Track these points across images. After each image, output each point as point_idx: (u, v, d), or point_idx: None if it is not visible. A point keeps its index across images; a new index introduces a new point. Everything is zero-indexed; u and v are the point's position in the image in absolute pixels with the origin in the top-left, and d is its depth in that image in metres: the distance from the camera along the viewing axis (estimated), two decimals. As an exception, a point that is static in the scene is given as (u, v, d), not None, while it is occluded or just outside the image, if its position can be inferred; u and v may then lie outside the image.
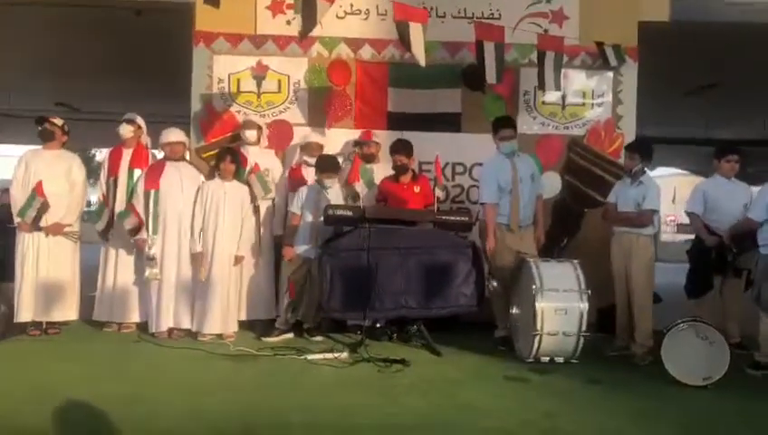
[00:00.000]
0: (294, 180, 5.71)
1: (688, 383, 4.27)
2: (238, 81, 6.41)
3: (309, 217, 5.36)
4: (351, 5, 6.44)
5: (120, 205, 5.51)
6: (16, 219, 5.23)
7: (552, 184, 6.27)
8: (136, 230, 5.35)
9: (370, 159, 5.99)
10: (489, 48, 5.66)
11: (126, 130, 5.61)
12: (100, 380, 4.09)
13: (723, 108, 11.09)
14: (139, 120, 5.71)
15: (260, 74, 6.42)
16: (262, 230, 5.81)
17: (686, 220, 6.06)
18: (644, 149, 5.29)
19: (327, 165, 5.41)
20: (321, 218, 5.18)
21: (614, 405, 3.92)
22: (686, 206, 5.78)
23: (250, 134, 5.90)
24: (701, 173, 20.36)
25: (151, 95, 9.49)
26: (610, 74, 6.50)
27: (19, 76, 10.56)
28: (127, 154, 5.60)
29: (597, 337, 5.06)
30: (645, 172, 5.25)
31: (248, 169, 5.78)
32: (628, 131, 6.46)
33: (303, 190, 5.43)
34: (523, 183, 5.27)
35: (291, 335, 5.41)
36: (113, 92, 10.51)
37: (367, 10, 6.45)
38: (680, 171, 21.82)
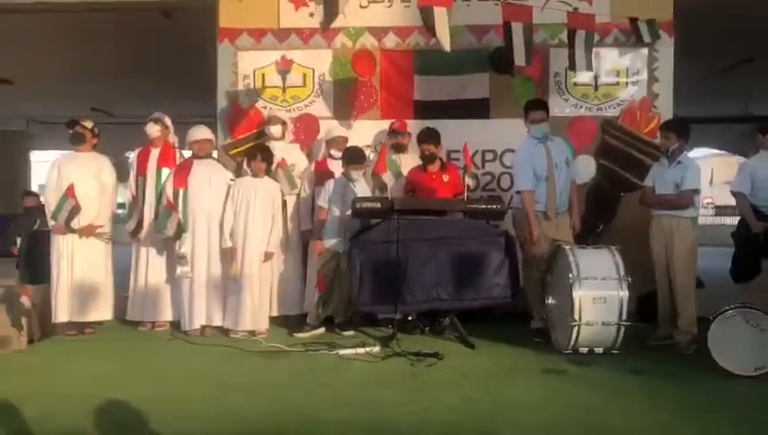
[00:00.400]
0: (321, 174, 5.64)
1: (739, 374, 4.08)
2: (263, 76, 6.38)
3: (336, 211, 5.28)
4: (375, -6, 6.32)
5: (149, 204, 5.53)
6: (50, 222, 5.30)
7: (586, 168, 6.08)
8: (178, 234, 5.33)
9: (402, 148, 5.89)
10: (517, 29, 5.47)
11: (153, 130, 5.62)
12: (134, 379, 4.11)
13: (762, 83, 10.62)
14: (166, 120, 5.71)
15: (284, 69, 6.38)
16: (289, 226, 5.77)
17: (724, 202, 5.81)
18: (680, 128, 5.08)
19: (354, 157, 5.32)
20: (349, 211, 5.10)
21: (659, 398, 3.76)
22: (731, 185, 5.52)
23: (275, 130, 5.86)
24: (740, 153, 19.82)
25: (183, 96, 9.57)
26: (645, 51, 6.26)
27: (54, 83, 10.78)
28: (155, 154, 5.61)
29: (637, 326, 4.87)
30: (683, 152, 5.04)
31: (275, 164, 5.73)
32: (665, 111, 6.22)
33: (330, 184, 5.36)
34: (558, 168, 5.11)
35: (322, 330, 5.36)
36: (146, 95, 10.63)
37: (390, -3, 6.32)
38: (717, 151, 21.19)
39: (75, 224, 5.26)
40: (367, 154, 5.79)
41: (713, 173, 30.66)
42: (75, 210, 5.22)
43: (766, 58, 9.09)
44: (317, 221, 5.43)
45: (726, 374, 4.08)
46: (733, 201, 5.77)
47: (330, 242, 5.30)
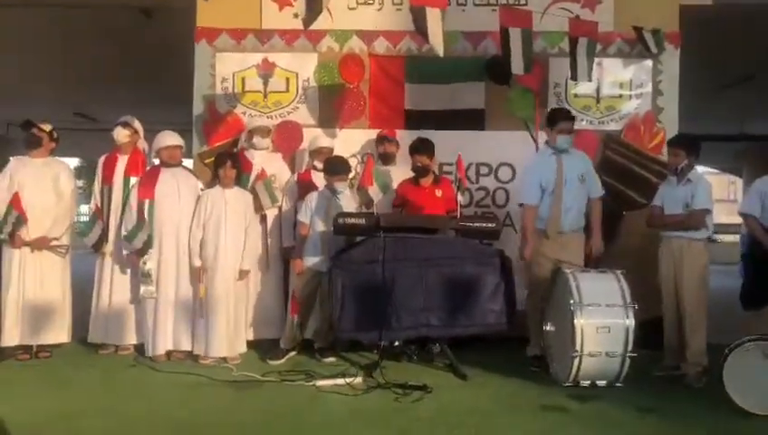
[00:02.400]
0: (303, 186, 5.24)
1: (758, 413, 3.70)
2: (243, 79, 5.97)
3: (319, 227, 4.88)
4: (364, -5, 5.96)
5: (114, 216, 5.08)
6: None
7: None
8: (144, 250, 4.90)
9: (389, 159, 5.51)
10: (515, 35, 5.12)
11: (121, 135, 5.19)
12: (84, 414, 3.65)
13: (759, 102, 10.38)
14: (136, 124, 5.28)
15: (266, 72, 5.97)
16: (269, 241, 5.36)
17: (721, 220, 5.52)
18: (690, 144, 4.77)
19: (336, 167, 4.92)
20: (331, 228, 4.70)
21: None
22: (740, 207, 5.20)
23: (261, 142, 5.45)
24: (734, 171, 19.71)
25: (171, 100, 9.16)
26: (649, 63, 5.93)
27: (34, 86, 10.40)
28: (122, 161, 5.17)
29: (641, 354, 4.47)
30: (693, 169, 4.70)
31: (254, 175, 5.32)
32: (670, 125, 5.90)
33: (313, 197, 4.96)
34: (568, 184, 4.74)
35: (294, 353, 4.94)
36: (131, 100, 10.21)
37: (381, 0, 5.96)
38: (711, 170, 21.12)
39: (26, 236, 4.80)
40: (353, 165, 5.42)
41: (708, 191, 30.67)
42: (19, 222, 4.75)
43: (765, 77, 8.83)
44: (298, 238, 5.03)
45: (743, 413, 3.72)
46: (727, 219, 5.49)
47: (311, 260, 4.90)
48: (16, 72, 9.78)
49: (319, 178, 5.21)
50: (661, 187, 4.90)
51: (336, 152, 5.40)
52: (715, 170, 20.60)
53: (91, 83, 10.11)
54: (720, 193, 29.90)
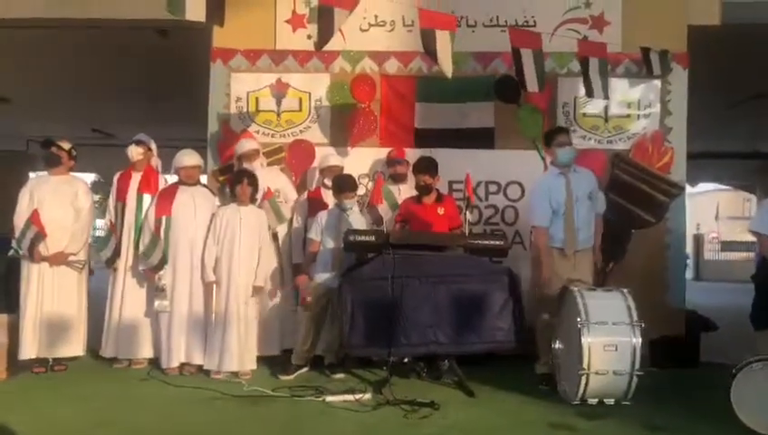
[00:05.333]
0: (314, 204, 5.32)
1: (765, 434, 3.67)
2: (257, 99, 6.10)
3: (329, 244, 4.96)
4: (376, 17, 6.09)
5: (128, 232, 5.19)
6: (17, 249, 4.95)
7: (595, 203, 5.75)
8: (160, 265, 5.00)
9: (401, 179, 5.59)
10: (527, 55, 5.20)
11: (135, 153, 5.31)
12: (99, 426, 3.70)
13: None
14: (150, 142, 5.40)
15: (280, 92, 6.10)
16: (283, 258, 5.42)
17: (730, 238, 5.53)
18: None
19: (343, 185, 5.00)
20: (341, 245, 4.78)
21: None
22: (751, 224, 5.20)
23: (251, 167, 5.43)
24: (745, 188, 19.62)
25: (188, 118, 9.31)
26: (658, 83, 5.99)
27: (53, 103, 10.58)
28: (136, 178, 5.29)
29: (650, 373, 4.49)
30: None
31: (260, 194, 5.38)
32: (679, 145, 5.95)
33: (323, 215, 5.04)
34: (578, 202, 4.79)
35: (305, 370, 4.98)
36: (146, 117, 10.38)
37: (392, 21, 6.10)
38: (722, 187, 21.05)
39: (44, 251, 4.91)
40: (364, 184, 5.48)
41: (718, 208, 30.46)
42: (38, 238, 4.87)
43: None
44: (308, 255, 5.10)
45: (750, 433, 3.69)
46: (738, 237, 5.49)
47: (322, 277, 4.96)
48: (37, 89, 9.97)
49: (329, 196, 5.29)
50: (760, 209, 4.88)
51: (347, 170, 5.49)
52: (728, 187, 20.51)
53: (109, 101, 10.26)
54: (733, 210, 29.71)
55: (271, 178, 5.54)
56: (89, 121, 12.01)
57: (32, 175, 5.30)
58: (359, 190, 5.37)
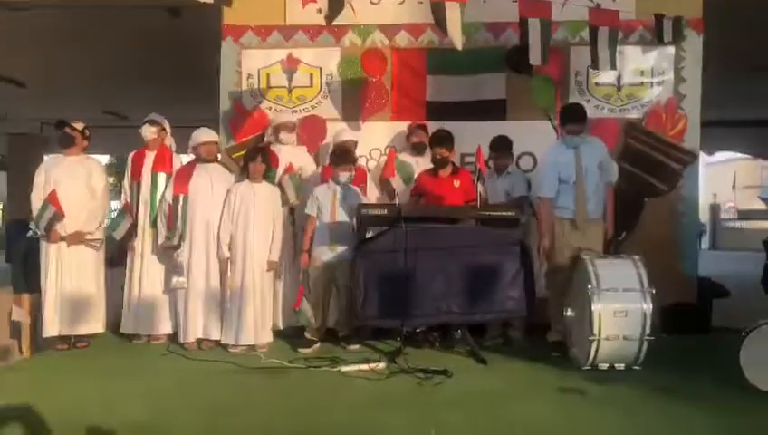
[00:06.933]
0: (326, 180, 5.36)
1: (774, 394, 3.72)
2: (268, 75, 6.13)
3: (325, 218, 5.01)
4: (385, -11, 6.04)
5: (142, 210, 5.27)
6: (34, 229, 5.05)
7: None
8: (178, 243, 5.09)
9: (421, 149, 5.60)
10: (534, 26, 5.15)
11: (149, 132, 5.36)
12: (120, 401, 3.80)
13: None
14: (163, 121, 5.45)
15: (291, 68, 6.12)
16: (299, 233, 5.48)
17: (747, 207, 5.49)
18: None
19: (338, 157, 5.04)
20: (338, 219, 4.88)
21: (691, 422, 3.42)
22: (763, 192, 5.17)
23: (286, 137, 5.56)
24: (763, 156, 19.29)
25: (193, 97, 9.34)
26: (672, 50, 5.92)
27: (66, 85, 10.62)
28: (150, 157, 5.34)
29: (661, 339, 4.51)
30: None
31: (282, 169, 5.44)
32: (692, 112, 5.90)
33: (318, 190, 5.09)
34: (588, 173, 4.79)
35: (317, 346, 5.03)
36: (158, 97, 10.40)
37: (403, -7, 6.04)
38: (740, 155, 20.71)
39: (62, 231, 4.99)
40: (376, 157, 5.47)
41: (735, 177, 30.05)
42: (56, 218, 4.94)
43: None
44: (306, 231, 5.13)
45: (760, 394, 3.74)
46: (756, 206, 5.46)
47: (320, 252, 5.02)
48: (49, 71, 10.03)
49: (342, 172, 5.32)
50: None
51: (360, 145, 5.52)
52: (746, 155, 20.20)
53: (121, 82, 10.26)
54: (751, 179, 29.23)
55: (295, 155, 5.58)
56: (102, 104, 12.06)
57: (46, 157, 5.30)
58: (360, 162, 5.40)
